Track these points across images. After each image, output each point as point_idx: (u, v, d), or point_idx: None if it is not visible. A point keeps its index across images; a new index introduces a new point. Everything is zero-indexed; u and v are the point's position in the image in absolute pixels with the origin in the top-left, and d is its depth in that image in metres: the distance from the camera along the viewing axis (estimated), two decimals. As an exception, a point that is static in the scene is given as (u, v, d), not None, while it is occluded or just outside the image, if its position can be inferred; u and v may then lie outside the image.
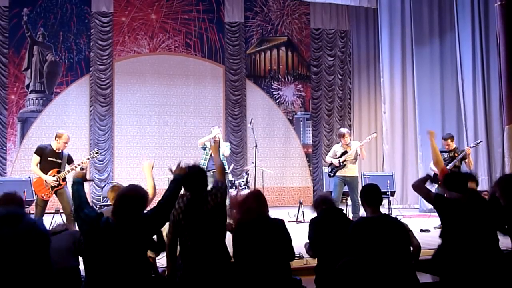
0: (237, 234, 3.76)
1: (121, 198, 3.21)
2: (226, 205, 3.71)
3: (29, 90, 10.36)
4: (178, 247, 3.64)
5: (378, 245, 3.52)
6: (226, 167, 8.06)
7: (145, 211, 3.35)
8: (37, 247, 3.12)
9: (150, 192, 3.94)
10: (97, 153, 6.85)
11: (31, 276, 3.06)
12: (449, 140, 7.76)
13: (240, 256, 3.70)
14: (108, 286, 3.10)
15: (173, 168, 3.59)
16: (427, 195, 3.99)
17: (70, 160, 6.41)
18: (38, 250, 3.13)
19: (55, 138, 6.32)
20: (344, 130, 7.93)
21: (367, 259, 3.52)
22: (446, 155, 7.64)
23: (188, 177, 3.57)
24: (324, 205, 4.17)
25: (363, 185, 9.21)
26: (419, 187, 4.06)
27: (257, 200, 3.79)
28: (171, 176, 3.55)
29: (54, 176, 6.14)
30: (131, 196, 3.21)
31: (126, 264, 3.11)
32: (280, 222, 3.81)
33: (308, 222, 4.22)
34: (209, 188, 3.69)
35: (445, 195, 3.89)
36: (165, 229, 3.99)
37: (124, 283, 3.11)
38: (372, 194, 3.77)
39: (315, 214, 4.22)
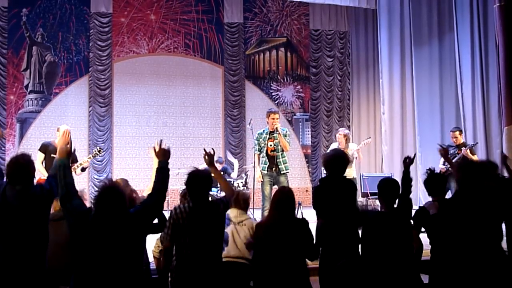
0: (257, 235, 3.78)
1: (101, 192, 3.13)
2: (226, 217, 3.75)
3: (28, 90, 10.34)
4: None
5: (387, 241, 3.55)
6: (286, 166, 6.59)
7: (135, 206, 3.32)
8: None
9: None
10: (99, 151, 6.67)
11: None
12: (457, 133, 7.74)
13: (259, 256, 3.72)
14: (98, 282, 3.05)
15: (157, 148, 3.47)
16: None
17: (74, 159, 6.34)
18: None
19: (57, 133, 6.30)
20: (340, 130, 7.97)
21: (376, 255, 3.55)
22: (452, 150, 7.64)
23: (192, 182, 3.54)
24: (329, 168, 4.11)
25: (361, 186, 9.29)
26: None
27: (277, 199, 3.84)
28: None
29: None
30: (111, 188, 3.14)
31: (118, 259, 3.05)
32: (303, 222, 3.82)
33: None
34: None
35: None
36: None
37: (115, 279, 3.05)
38: (386, 188, 3.79)
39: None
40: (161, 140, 3.50)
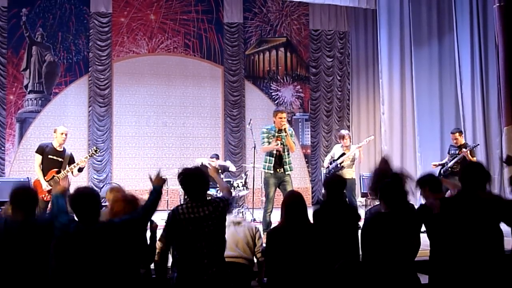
0: (270, 240, 3.74)
1: (75, 198, 3.22)
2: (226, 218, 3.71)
3: (28, 90, 10.34)
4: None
5: (387, 241, 3.56)
6: (291, 166, 6.53)
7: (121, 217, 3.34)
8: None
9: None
10: (96, 151, 6.62)
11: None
12: (457, 134, 7.68)
13: (275, 263, 3.69)
14: None
15: (153, 177, 3.59)
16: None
17: (72, 160, 6.30)
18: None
19: (54, 134, 6.30)
20: (344, 132, 7.95)
21: (376, 256, 3.55)
22: (453, 150, 7.63)
23: (188, 179, 3.54)
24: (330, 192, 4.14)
25: (361, 186, 9.30)
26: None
27: (290, 202, 3.81)
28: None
29: (53, 177, 6.11)
30: (85, 195, 3.23)
31: (101, 271, 3.10)
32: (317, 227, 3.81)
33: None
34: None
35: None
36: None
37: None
38: (387, 190, 3.81)
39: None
40: (158, 172, 3.63)
